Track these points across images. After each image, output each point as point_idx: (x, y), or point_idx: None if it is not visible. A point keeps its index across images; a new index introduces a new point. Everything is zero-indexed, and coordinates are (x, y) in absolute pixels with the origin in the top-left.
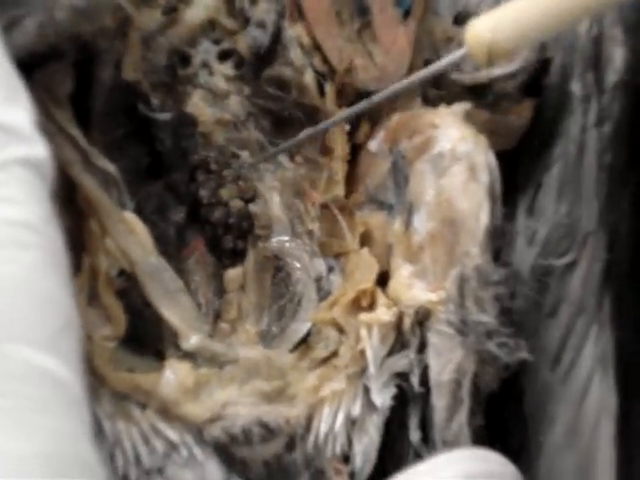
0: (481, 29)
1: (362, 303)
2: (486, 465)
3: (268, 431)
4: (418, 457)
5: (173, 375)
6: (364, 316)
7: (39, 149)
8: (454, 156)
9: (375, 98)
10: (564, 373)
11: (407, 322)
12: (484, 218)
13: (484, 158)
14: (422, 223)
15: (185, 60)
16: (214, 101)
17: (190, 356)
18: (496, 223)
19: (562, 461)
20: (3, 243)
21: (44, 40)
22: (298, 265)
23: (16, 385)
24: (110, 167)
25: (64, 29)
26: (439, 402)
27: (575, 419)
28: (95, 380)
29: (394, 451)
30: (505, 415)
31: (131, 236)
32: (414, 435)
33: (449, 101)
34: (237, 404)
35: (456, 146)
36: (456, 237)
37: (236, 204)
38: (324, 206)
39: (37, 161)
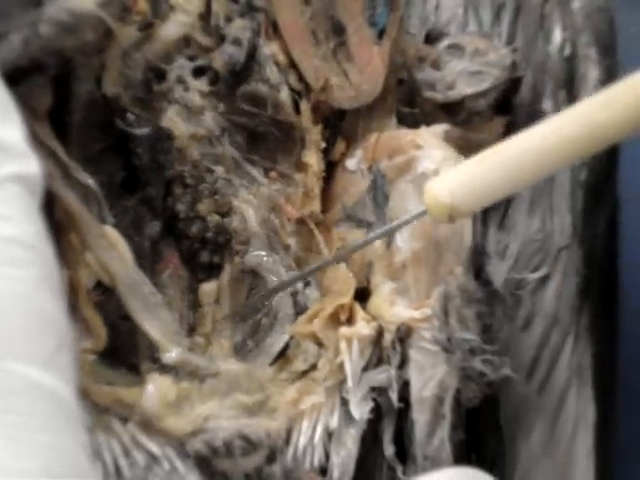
0: (439, 193)
1: (341, 317)
2: None
3: (249, 444)
4: (391, 471)
5: (155, 389)
6: (344, 330)
7: (31, 165)
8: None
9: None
10: (539, 384)
11: (388, 338)
12: (467, 238)
13: None
14: (405, 242)
15: (160, 76)
16: (189, 116)
17: (170, 370)
18: (477, 242)
19: (538, 472)
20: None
21: (29, 55)
22: (275, 280)
23: (16, 402)
24: (90, 181)
25: (49, 44)
26: (420, 417)
27: (551, 430)
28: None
29: (367, 465)
30: (480, 426)
31: (111, 250)
32: (388, 449)
33: (422, 119)
34: (218, 417)
35: (439, 167)
36: (439, 256)
37: (213, 219)
38: (300, 221)
39: (29, 177)
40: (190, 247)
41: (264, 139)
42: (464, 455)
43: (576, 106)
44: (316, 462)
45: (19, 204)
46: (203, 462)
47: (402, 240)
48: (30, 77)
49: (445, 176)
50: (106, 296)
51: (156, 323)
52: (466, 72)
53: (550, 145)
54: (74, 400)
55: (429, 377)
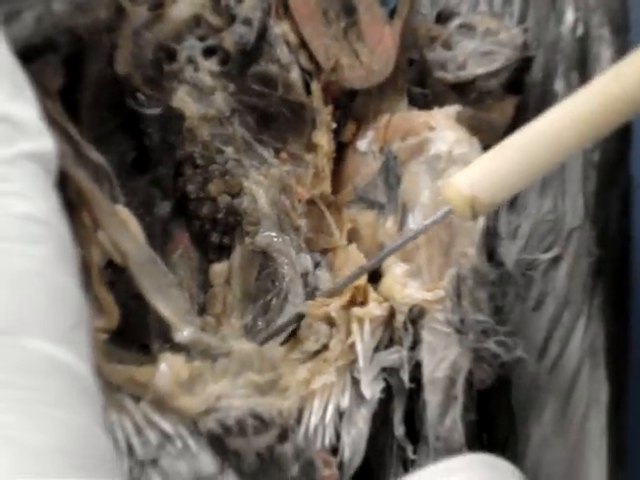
0: (461, 186)
1: (355, 299)
2: (495, 473)
3: (261, 423)
4: (401, 451)
5: (168, 368)
6: (356, 310)
7: (46, 143)
8: (450, 158)
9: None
10: (551, 365)
11: (400, 319)
12: (480, 219)
13: None
14: (417, 223)
15: (171, 56)
16: (199, 97)
17: (182, 349)
18: (490, 223)
19: (550, 453)
20: (16, 237)
21: (41, 33)
22: (285, 261)
23: (34, 378)
24: (102, 160)
25: (61, 21)
26: (432, 398)
27: (563, 410)
28: None
29: (377, 445)
30: (491, 406)
31: (123, 229)
32: (399, 429)
33: (433, 99)
34: (231, 396)
35: (452, 148)
36: (452, 238)
37: (224, 199)
38: (311, 202)
39: (44, 155)
40: (201, 228)
41: (274, 120)
42: (476, 436)
43: (588, 85)
44: (327, 441)
45: (34, 181)
46: (216, 441)
47: (415, 222)
48: (42, 55)
49: (465, 171)
50: (117, 275)
51: (168, 302)
52: (477, 52)
53: (567, 126)
54: (91, 377)
55: (441, 358)
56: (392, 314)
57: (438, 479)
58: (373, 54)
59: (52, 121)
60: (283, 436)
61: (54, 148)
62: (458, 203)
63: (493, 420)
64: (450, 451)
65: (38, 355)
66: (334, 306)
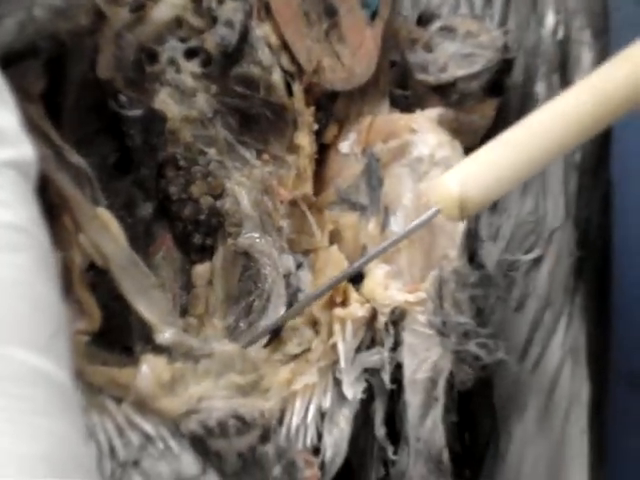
0: (449, 186)
1: (336, 299)
2: None
3: (243, 424)
4: (382, 452)
5: (149, 369)
6: (338, 311)
7: (26, 150)
8: (432, 161)
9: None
10: (532, 364)
11: (381, 320)
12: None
13: None
14: (399, 226)
15: (152, 57)
16: (181, 98)
17: (164, 350)
18: (471, 225)
19: (533, 451)
20: None
21: (24, 38)
22: (267, 262)
23: (16, 387)
24: (83, 163)
25: (43, 27)
26: (413, 399)
27: (545, 409)
28: None
29: (358, 445)
30: (473, 405)
31: (104, 232)
32: (380, 430)
33: (415, 101)
34: (212, 397)
35: (434, 151)
36: (434, 240)
37: (206, 201)
38: (293, 203)
39: (25, 163)
40: (183, 229)
41: (256, 121)
42: (457, 436)
43: (578, 83)
44: (309, 442)
45: (14, 190)
46: (197, 442)
47: (396, 224)
48: (24, 60)
49: (454, 169)
50: (99, 277)
51: (149, 304)
52: (458, 54)
53: (558, 124)
54: (71, 385)
55: (422, 360)
56: (374, 315)
57: None
58: (355, 56)
59: (33, 125)
60: (265, 437)
61: (34, 155)
62: (446, 204)
63: (475, 419)
64: (431, 452)
65: (19, 364)
66: (317, 307)
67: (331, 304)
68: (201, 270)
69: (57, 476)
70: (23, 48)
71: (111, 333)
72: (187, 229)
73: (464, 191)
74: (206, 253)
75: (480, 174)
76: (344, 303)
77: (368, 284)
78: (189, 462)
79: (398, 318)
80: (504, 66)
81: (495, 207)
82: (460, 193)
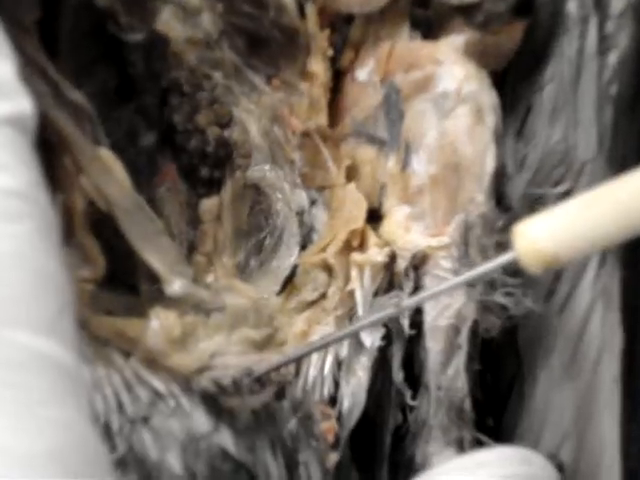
0: (539, 239)
1: (353, 243)
2: (527, 468)
3: (258, 382)
4: (400, 397)
5: (159, 325)
6: (356, 256)
7: (24, 104)
8: (459, 97)
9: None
10: (560, 305)
11: (401, 264)
12: (490, 163)
13: (490, 99)
14: (422, 165)
15: None
16: (185, 18)
17: (174, 303)
18: (499, 166)
19: (559, 397)
20: None
21: None
22: (279, 196)
23: (17, 374)
24: (82, 100)
25: None
26: (434, 345)
27: (574, 354)
28: None
29: (375, 391)
30: (496, 348)
31: (107, 174)
32: (397, 375)
33: (437, 23)
34: (225, 353)
35: (461, 86)
36: (460, 182)
37: (213, 131)
38: (305, 135)
39: (23, 118)
40: (189, 161)
41: (266, 44)
42: (478, 383)
43: None
44: (326, 393)
45: (13, 149)
46: (209, 399)
47: (418, 162)
48: None
49: (542, 219)
50: (102, 219)
51: (156, 252)
52: None
53: None
54: (77, 367)
55: (445, 306)
56: (393, 258)
57: (466, 472)
58: None
59: (28, 59)
60: (280, 393)
61: (32, 108)
62: (529, 255)
63: (498, 362)
64: (453, 401)
65: (20, 348)
66: (331, 252)
67: (347, 248)
68: (208, 205)
69: (67, 475)
70: None
71: (117, 275)
72: (193, 161)
73: (556, 247)
74: (213, 186)
75: (575, 229)
76: (361, 246)
77: (387, 226)
78: (201, 419)
79: (419, 262)
80: None
81: (521, 133)
82: (553, 249)
